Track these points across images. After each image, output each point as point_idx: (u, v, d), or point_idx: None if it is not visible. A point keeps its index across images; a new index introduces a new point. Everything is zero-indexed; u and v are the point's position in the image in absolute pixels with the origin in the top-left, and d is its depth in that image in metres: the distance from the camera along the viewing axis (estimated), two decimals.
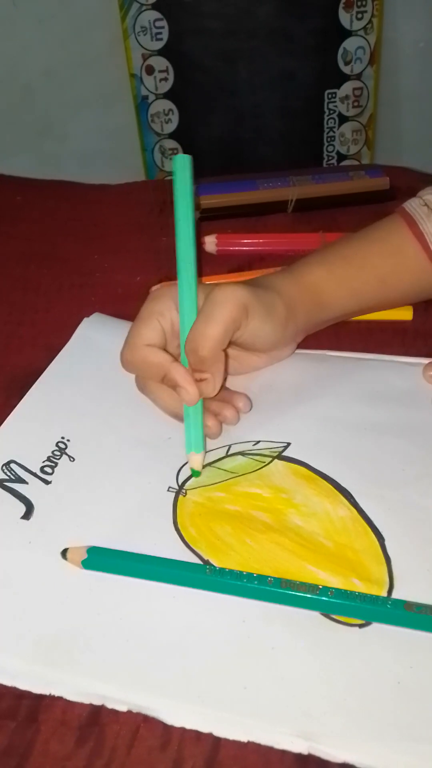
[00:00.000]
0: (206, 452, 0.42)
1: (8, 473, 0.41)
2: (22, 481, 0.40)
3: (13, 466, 0.41)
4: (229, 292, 0.41)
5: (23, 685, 0.31)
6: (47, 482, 0.40)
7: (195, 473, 0.41)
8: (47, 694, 0.31)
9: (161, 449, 0.42)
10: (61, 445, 0.42)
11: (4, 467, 0.41)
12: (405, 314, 0.52)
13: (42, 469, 0.41)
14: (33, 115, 1.37)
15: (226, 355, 0.43)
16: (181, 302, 0.43)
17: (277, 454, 0.42)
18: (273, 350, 0.46)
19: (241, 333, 0.42)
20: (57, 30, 1.29)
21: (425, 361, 0.47)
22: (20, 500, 0.39)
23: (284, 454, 0.42)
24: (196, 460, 0.40)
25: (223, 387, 0.43)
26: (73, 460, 0.42)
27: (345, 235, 0.51)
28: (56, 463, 0.41)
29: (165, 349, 0.43)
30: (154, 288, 0.57)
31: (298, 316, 0.45)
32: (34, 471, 0.41)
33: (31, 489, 0.40)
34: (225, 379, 0.43)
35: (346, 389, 0.46)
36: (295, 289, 0.45)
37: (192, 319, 0.42)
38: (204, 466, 0.41)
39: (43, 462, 0.41)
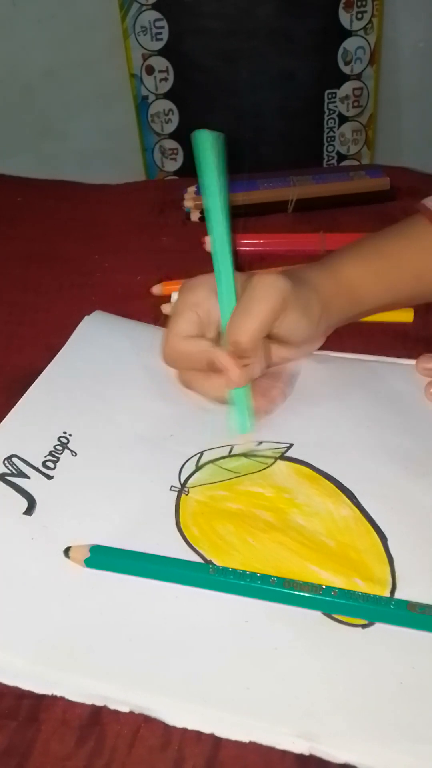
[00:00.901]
0: (197, 455, 0.42)
1: (10, 467, 0.40)
2: (24, 475, 0.40)
3: (15, 460, 0.41)
4: (270, 283, 0.41)
5: (25, 685, 0.31)
6: (49, 477, 0.40)
7: (244, 455, 0.41)
8: (49, 694, 0.31)
9: (163, 446, 0.42)
10: (63, 440, 0.42)
11: (5, 461, 0.41)
12: (406, 316, 0.52)
13: (44, 464, 0.41)
14: (33, 115, 1.37)
15: (266, 342, 0.43)
16: (220, 291, 0.42)
17: (279, 455, 0.41)
18: (304, 344, 0.46)
19: (279, 325, 0.42)
20: (57, 30, 1.29)
21: None
22: (22, 495, 0.39)
23: (287, 454, 0.42)
24: (246, 440, 0.41)
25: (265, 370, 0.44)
26: (75, 455, 0.42)
27: (374, 233, 0.51)
28: (58, 458, 0.41)
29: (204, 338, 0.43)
30: (155, 288, 0.57)
31: (332, 312, 0.45)
32: (36, 465, 0.41)
33: (33, 484, 0.40)
34: (267, 363, 0.44)
35: (347, 390, 0.46)
36: (331, 284, 0.45)
37: (231, 307, 0.42)
38: (206, 464, 0.41)
39: (45, 456, 0.41)
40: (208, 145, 0.44)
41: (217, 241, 0.43)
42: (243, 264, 0.61)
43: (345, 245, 0.50)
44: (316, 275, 0.45)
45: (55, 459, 0.41)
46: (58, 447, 0.42)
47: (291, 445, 0.42)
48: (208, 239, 0.61)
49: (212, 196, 0.43)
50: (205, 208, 0.43)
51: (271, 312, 0.41)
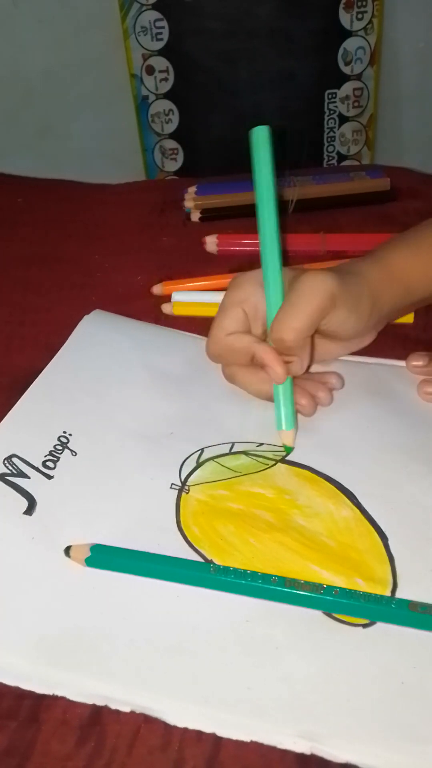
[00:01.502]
0: (198, 452, 0.42)
1: (10, 467, 0.40)
2: (24, 475, 0.40)
3: (15, 460, 0.41)
4: (318, 281, 0.41)
5: (27, 686, 0.31)
6: (49, 477, 0.40)
7: (287, 449, 0.41)
8: (51, 694, 0.31)
9: (163, 445, 0.42)
10: (63, 440, 0.42)
11: (5, 461, 0.41)
12: (406, 318, 0.52)
13: (44, 464, 0.41)
14: (33, 115, 1.37)
15: (313, 338, 0.43)
16: (267, 287, 0.43)
17: (280, 458, 0.41)
18: (354, 339, 0.46)
19: (327, 322, 0.42)
20: (57, 30, 1.29)
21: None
22: (22, 495, 0.39)
23: (287, 458, 0.42)
24: (288, 437, 0.41)
25: (310, 367, 0.44)
26: (75, 454, 0.42)
27: (424, 223, 0.50)
28: (58, 458, 0.41)
29: (249, 333, 0.43)
30: (155, 288, 0.57)
31: (383, 305, 0.45)
32: (36, 465, 0.41)
33: (33, 484, 0.40)
34: (312, 360, 0.44)
35: (347, 391, 0.46)
36: (381, 276, 0.45)
37: (278, 303, 0.42)
38: (206, 461, 0.41)
39: (45, 456, 0.41)
40: (264, 140, 0.44)
41: (267, 236, 0.43)
42: (243, 264, 0.60)
43: (393, 236, 0.49)
44: (366, 267, 0.45)
45: (55, 459, 0.41)
46: (58, 447, 0.42)
47: (291, 448, 0.42)
48: (208, 239, 0.62)
49: (265, 192, 0.44)
50: (256, 203, 0.44)
51: (318, 311, 0.41)
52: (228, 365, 0.45)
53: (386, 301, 0.45)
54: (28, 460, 0.41)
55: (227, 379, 0.45)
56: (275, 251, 0.43)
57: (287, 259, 0.59)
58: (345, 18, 1.29)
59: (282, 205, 0.67)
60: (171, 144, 1.40)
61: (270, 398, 0.43)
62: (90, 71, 1.33)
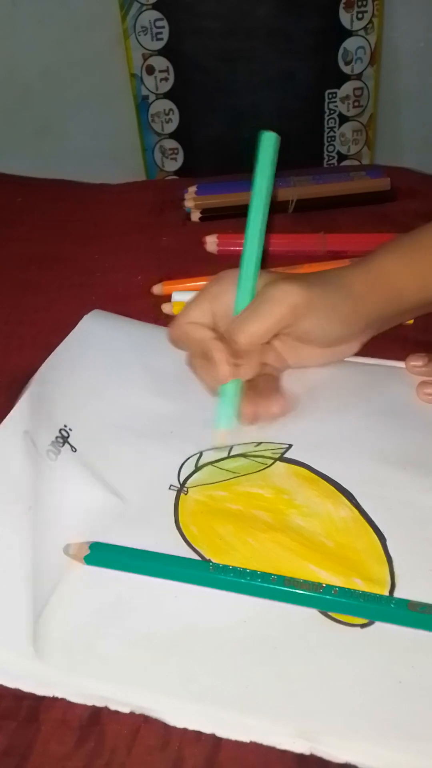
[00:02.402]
0: (196, 455, 0.42)
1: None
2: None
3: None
4: (283, 292, 0.41)
5: (26, 687, 0.31)
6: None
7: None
8: (50, 695, 0.31)
9: (163, 443, 0.42)
10: (64, 434, 0.42)
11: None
12: None
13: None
14: (33, 115, 1.37)
15: (270, 347, 0.43)
16: (238, 288, 0.43)
17: (279, 455, 0.42)
18: (335, 347, 0.46)
19: (296, 330, 0.42)
20: (57, 30, 1.29)
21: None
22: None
23: (285, 455, 0.42)
24: (221, 436, 0.41)
25: (274, 379, 0.44)
26: (75, 450, 0.42)
27: (416, 228, 0.49)
28: (59, 451, 0.41)
29: (213, 329, 0.43)
30: (155, 288, 0.57)
31: (368, 311, 0.44)
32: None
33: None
34: (286, 364, 0.45)
35: (346, 392, 0.46)
36: (365, 281, 0.44)
37: (244, 305, 0.42)
38: (205, 465, 0.41)
39: (47, 447, 0.41)
40: (270, 147, 0.45)
41: (249, 239, 0.44)
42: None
43: (383, 242, 0.48)
44: (349, 273, 0.45)
45: (56, 452, 0.41)
46: (59, 439, 0.42)
47: (290, 446, 0.42)
48: (208, 239, 0.62)
49: (259, 196, 0.44)
50: (249, 205, 0.44)
51: (276, 321, 0.41)
52: (188, 353, 0.45)
53: (372, 307, 0.44)
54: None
55: (187, 364, 0.45)
56: (254, 255, 0.43)
57: (286, 259, 0.59)
58: (345, 18, 1.29)
59: (282, 205, 0.67)
60: (171, 144, 1.40)
61: (216, 395, 0.43)
62: (90, 71, 1.33)
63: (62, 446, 0.41)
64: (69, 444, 0.42)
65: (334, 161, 1.43)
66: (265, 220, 0.44)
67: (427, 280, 0.46)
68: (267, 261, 0.45)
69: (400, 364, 0.48)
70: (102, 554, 0.35)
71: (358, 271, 0.45)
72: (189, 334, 0.43)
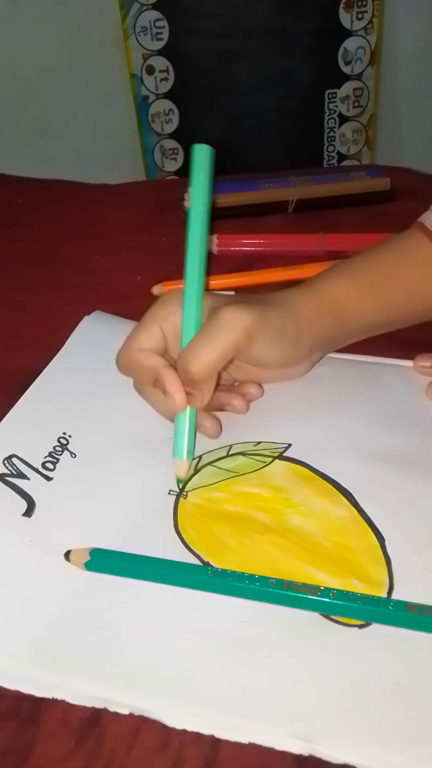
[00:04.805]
0: (196, 459, 0.41)
1: (10, 468, 0.40)
2: (24, 476, 0.40)
3: (14, 460, 0.41)
4: (233, 317, 0.40)
5: (25, 689, 0.31)
6: (49, 478, 0.40)
7: (178, 480, 0.40)
8: (49, 697, 0.31)
9: (162, 449, 0.42)
10: (63, 441, 0.42)
11: (5, 461, 0.41)
12: None
13: (43, 465, 0.41)
14: (32, 115, 1.37)
15: (220, 375, 0.42)
16: (184, 314, 0.41)
17: (278, 454, 0.41)
18: (283, 368, 0.44)
19: (244, 355, 0.41)
20: (57, 30, 1.29)
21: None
22: (22, 496, 0.39)
23: (285, 454, 0.41)
24: (181, 468, 0.40)
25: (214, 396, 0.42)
26: (75, 456, 0.42)
27: (364, 250, 0.48)
28: (58, 459, 0.41)
29: (165, 354, 0.42)
30: (155, 288, 0.57)
31: (314, 333, 0.43)
32: (35, 466, 0.41)
33: (33, 485, 0.40)
34: (215, 392, 0.42)
35: (346, 390, 0.46)
36: (312, 304, 0.44)
37: (193, 331, 0.41)
38: (204, 466, 0.41)
39: (45, 457, 0.41)
40: (204, 160, 0.44)
41: (190, 258, 0.42)
42: (243, 264, 0.61)
43: (331, 264, 0.48)
44: (294, 296, 0.44)
45: (54, 460, 0.41)
46: (57, 448, 0.42)
47: (289, 445, 0.42)
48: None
49: (196, 212, 0.43)
50: (187, 225, 0.43)
51: (229, 347, 0.39)
52: (136, 380, 0.44)
53: (318, 330, 0.44)
54: (27, 460, 0.41)
55: (136, 390, 0.44)
56: (197, 276, 0.42)
57: (286, 259, 0.59)
58: (345, 18, 1.29)
59: (282, 206, 0.67)
60: (171, 144, 1.40)
61: (172, 420, 0.41)
62: (89, 71, 1.33)
63: (61, 454, 0.41)
64: (68, 451, 0.42)
65: (334, 161, 1.43)
66: (205, 238, 0.43)
67: (379, 300, 0.46)
68: (208, 282, 0.43)
69: (400, 362, 0.48)
70: (102, 560, 0.35)
71: (305, 296, 0.44)
72: (141, 361, 0.41)
